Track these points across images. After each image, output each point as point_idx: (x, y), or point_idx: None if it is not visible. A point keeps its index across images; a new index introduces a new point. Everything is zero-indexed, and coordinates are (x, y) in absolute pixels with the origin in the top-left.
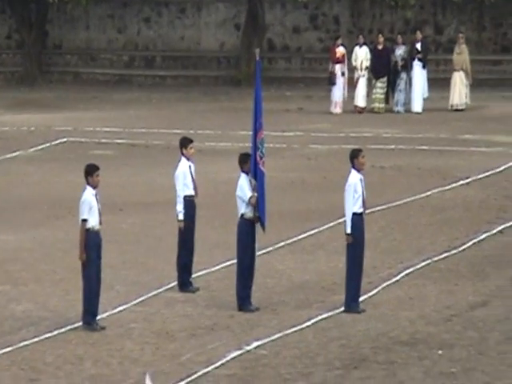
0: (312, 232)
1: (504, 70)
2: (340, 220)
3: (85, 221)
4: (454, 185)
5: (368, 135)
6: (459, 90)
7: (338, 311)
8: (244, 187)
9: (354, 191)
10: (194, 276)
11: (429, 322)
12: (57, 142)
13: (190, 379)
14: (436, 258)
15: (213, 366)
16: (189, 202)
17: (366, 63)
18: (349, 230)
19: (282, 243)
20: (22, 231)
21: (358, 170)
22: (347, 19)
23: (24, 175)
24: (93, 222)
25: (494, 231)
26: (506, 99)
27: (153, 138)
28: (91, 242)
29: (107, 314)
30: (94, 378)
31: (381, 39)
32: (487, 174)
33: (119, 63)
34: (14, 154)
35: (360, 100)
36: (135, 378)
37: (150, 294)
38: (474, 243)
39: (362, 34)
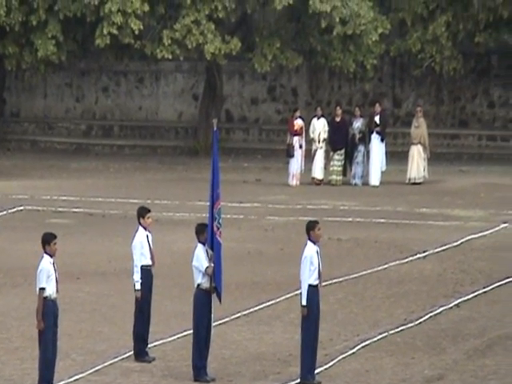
0: (268, 303)
1: (462, 143)
2: (296, 292)
3: (43, 289)
4: (410, 258)
5: (325, 207)
6: (417, 163)
7: (293, 383)
8: (201, 257)
9: (310, 263)
10: (150, 346)
11: None
12: (13, 210)
13: None
14: (392, 331)
15: None
16: (146, 272)
17: (324, 135)
18: (304, 302)
19: (239, 314)
20: None
21: (314, 242)
22: (305, 91)
23: None
24: (50, 291)
25: (451, 305)
26: (464, 173)
27: (110, 207)
28: (48, 311)
29: (63, 382)
30: None
31: (339, 111)
32: (444, 247)
33: (77, 132)
34: None
35: (318, 172)
36: None
37: (106, 364)
38: (431, 317)
39: (320, 105)
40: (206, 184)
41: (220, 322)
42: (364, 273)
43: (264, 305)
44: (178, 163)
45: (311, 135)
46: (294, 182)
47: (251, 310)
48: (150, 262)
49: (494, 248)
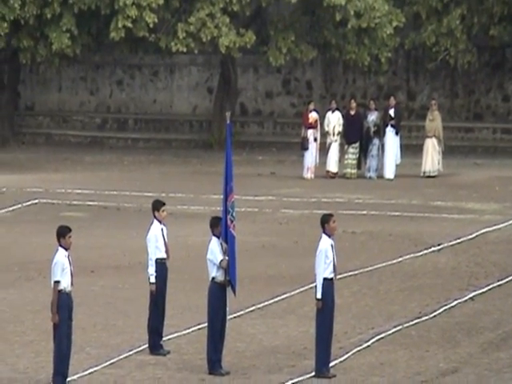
0: (283, 296)
1: (476, 137)
2: (311, 285)
3: (57, 282)
4: (425, 251)
5: (340, 200)
6: (431, 156)
7: (308, 376)
8: (215, 251)
9: (325, 256)
10: (164, 339)
11: None
12: (28, 203)
13: None
14: (407, 324)
15: None
16: (160, 265)
17: (339, 128)
18: (319, 296)
19: (253, 307)
20: None
21: (329, 235)
22: (320, 84)
23: None
24: (65, 284)
25: (465, 298)
26: (478, 166)
27: (124, 200)
28: (63, 304)
29: (77, 375)
30: None
31: (353, 105)
32: (458, 240)
33: (91, 125)
34: None
35: (332, 165)
36: None
37: (120, 357)
38: (445, 310)
39: (334, 99)
40: (220, 177)
41: (234, 315)
42: (378, 266)
43: (278, 298)
44: (192, 156)
45: (326, 128)
46: (308, 175)
47: (266, 303)
48: (164, 256)
49: (508, 241)
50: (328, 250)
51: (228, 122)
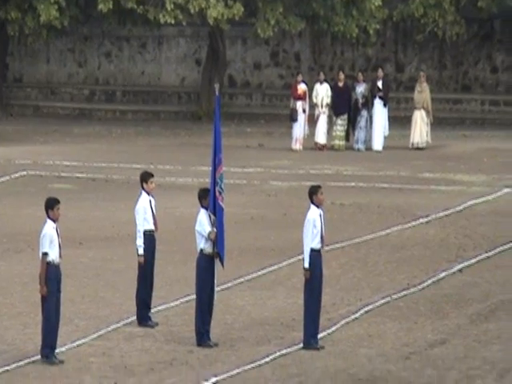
0: (271, 268)
1: (465, 108)
2: (299, 257)
3: (46, 254)
4: (413, 223)
5: (328, 172)
6: (420, 128)
7: (296, 348)
8: (203, 222)
9: (312, 226)
10: (153, 311)
11: (387, 360)
12: (16, 175)
13: None
14: (395, 296)
15: None
16: (149, 237)
17: (327, 100)
18: (306, 265)
19: (241, 279)
20: None
21: (318, 206)
22: (308, 56)
23: None
24: (53, 256)
25: (454, 270)
26: (467, 138)
27: (113, 172)
28: (51, 276)
29: (66, 347)
30: None
31: (341, 76)
32: (447, 212)
33: (80, 97)
34: None
35: (320, 137)
36: None
37: (108, 329)
38: (434, 282)
39: (322, 71)
40: (209, 149)
41: (223, 287)
42: (367, 238)
43: (267, 270)
44: (180, 128)
45: (314, 100)
46: (297, 146)
47: (254, 275)
48: (152, 227)
49: (496, 213)
50: (316, 220)
51: (217, 93)
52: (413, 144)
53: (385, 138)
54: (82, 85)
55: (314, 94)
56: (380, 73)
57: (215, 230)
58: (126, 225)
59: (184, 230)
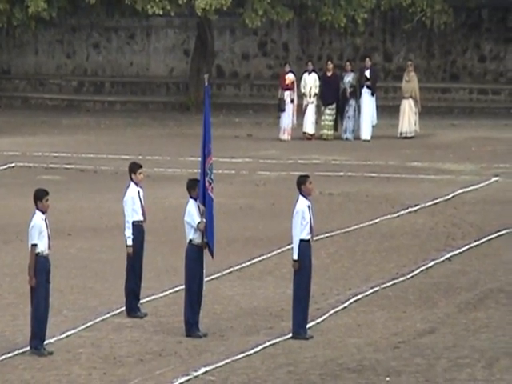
0: (260, 258)
1: (453, 97)
2: (288, 246)
3: (35, 245)
4: (402, 212)
5: (317, 162)
6: (408, 117)
7: (285, 337)
8: (192, 213)
9: (301, 218)
10: (142, 301)
11: (376, 349)
12: (5, 166)
13: None
14: (384, 285)
15: None
16: (137, 228)
17: (315, 90)
18: (295, 257)
19: (231, 269)
20: None
21: (306, 197)
22: (296, 46)
23: None
24: (42, 247)
25: (443, 259)
26: (455, 127)
27: (101, 163)
28: (40, 267)
29: (55, 338)
30: None
31: (330, 66)
32: (435, 201)
33: (68, 88)
34: None
35: (309, 127)
36: None
37: (97, 319)
38: (422, 270)
39: (311, 60)
40: (198, 139)
41: (212, 277)
42: (355, 227)
43: (256, 260)
44: (169, 119)
45: (302, 90)
46: (285, 136)
47: (243, 265)
48: (141, 218)
49: (485, 201)
50: (305, 211)
51: (206, 84)
52: (401, 133)
53: (373, 127)
54: (71, 76)
55: (302, 83)
56: (368, 62)
57: (204, 220)
58: (114, 216)
59: (173, 221)
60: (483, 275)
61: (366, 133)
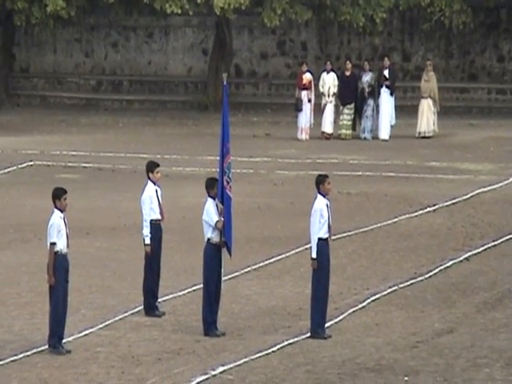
0: (278, 257)
1: (471, 97)
2: (306, 246)
3: (53, 244)
4: (420, 212)
5: (335, 161)
6: (427, 117)
7: (304, 337)
8: (210, 212)
9: (320, 216)
10: (160, 300)
11: (395, 349)
12: (23, 165)
13: None
14: (402, 285)
15: None
16: (155, 226)
17: (334, 89)
18: (314, 255)
19: (249, 268)
20: None
21: (324, 196)
22: (315, 45)
23: None
24: (61, 246)
25: (461, 258)
26: (473, 127)
27: (119, 162)
28: (59, 266)
29: (73, 337)
30: None
31: (348, 66)
32: (454, 201)
33: (86, 87)
34: None
35: (327, 126)
36: None
37: (116, 318)
38: (441, 270)
39: (329, 60)
40: (216, 139)
41: (230, 276)
42: (374, 227)
43: (274, 259)
44: (187, 118)
45: (321, 89)
46: (303, 136)
47: (261, 264)
48: (159, 217)
49: (503, 201)
50: (323, 210)
51: (225, 83)
52: (419, 133)
53: (391, 127)
54: (89, 75)
55: (321, 83)
56: (386, 62)
57: (222, 219)
58: (132, 214)
59: (191, 220)
60: (501, 275)
61: (384, 132)
